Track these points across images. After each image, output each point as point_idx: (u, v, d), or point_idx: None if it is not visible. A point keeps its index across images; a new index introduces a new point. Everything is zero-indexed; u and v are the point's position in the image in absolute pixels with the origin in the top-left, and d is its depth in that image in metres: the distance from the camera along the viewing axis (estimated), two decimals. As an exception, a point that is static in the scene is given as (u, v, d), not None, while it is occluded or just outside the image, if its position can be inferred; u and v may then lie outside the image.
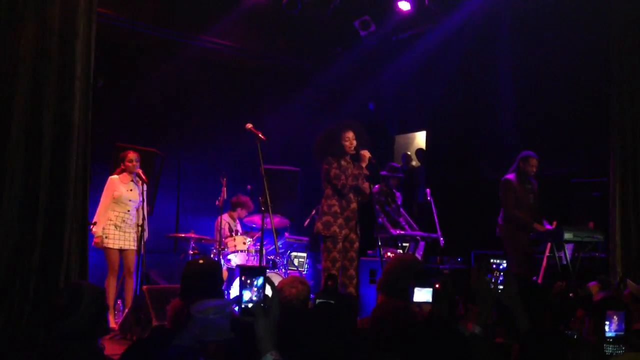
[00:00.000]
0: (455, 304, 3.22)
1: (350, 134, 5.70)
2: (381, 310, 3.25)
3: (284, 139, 9.48)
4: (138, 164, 6.42)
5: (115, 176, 6.41)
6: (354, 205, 5.68)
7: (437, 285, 2.72)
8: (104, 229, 6.25)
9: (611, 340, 2.74)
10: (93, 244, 6.19)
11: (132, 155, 6.43)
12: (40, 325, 4.22)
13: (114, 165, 6.62)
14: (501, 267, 2.94)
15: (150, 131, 8.42)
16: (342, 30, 9.49)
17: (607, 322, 2.75)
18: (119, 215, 6.32)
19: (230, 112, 9.19)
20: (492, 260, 2.95)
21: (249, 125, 5.95)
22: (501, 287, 2.91)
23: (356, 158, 5.71)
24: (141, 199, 6.35)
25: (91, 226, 6.16)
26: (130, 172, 6.42)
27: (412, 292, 2.70)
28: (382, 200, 7.69)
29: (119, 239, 6.29)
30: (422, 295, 2.66)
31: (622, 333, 2.75)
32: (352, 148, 5.68)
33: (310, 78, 10.29)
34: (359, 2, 8.83)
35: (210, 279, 3.45)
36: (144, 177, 6.37)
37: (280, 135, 9.16)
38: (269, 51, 9.61)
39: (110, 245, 6.25)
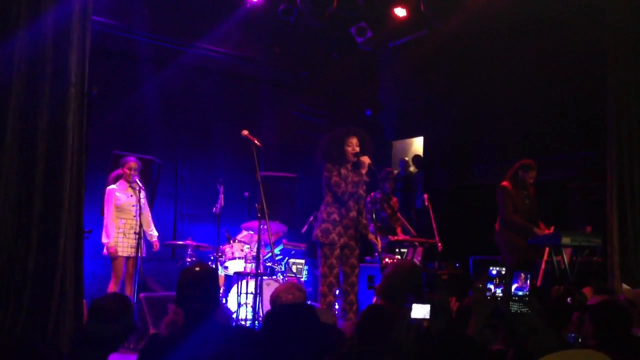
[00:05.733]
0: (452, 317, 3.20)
1: (354, 140, 5.69)
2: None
3: (281, 146, 9.47)
4: (137, 173, 6.45)
5: (112, 186, 6.46)
6: (353, 213, 5.67)
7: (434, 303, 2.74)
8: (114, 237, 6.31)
9: (516, 298, 2.79)
10: (106, 253, 6.30)
11: (133, 164, 6.48)
12: (35, 334, 4.18)
13: (110, 172, 6.63)
14: (502, 273, 2.93)
15: (147, 139, 8.40)
16: (338, 36, 9.50)
17: (514, 282, 2.84)
18: (127, 222, 6.38)
19: (227, 119, 9.18)
20: (491, 268, 2.94)
21: (245, 132, 5.93)
22: (500, 294, 2.91)
23: (357, 165, 5.70)
24: (141, 204, 6.36)
25: (102, 238, 6.27)
26: (127, 180, 6.44)
27: (410, 308, 2.71)
28: (377, 208, 7.66)
29: (127, 246, 6.34)
30: (421, 311, 2.67)
31: (526, 292, 2.81)
32: (354, 154, 5.67)
33: (307, 84, 10.28)
34: (355, 9, 8.82)
35: (206, 285, 3.42)
36: (140, 184, 6.38)
37: (276, 141, 9.15)
38: (265, 58, 9.60)
39: (119, 253, 6.30)
